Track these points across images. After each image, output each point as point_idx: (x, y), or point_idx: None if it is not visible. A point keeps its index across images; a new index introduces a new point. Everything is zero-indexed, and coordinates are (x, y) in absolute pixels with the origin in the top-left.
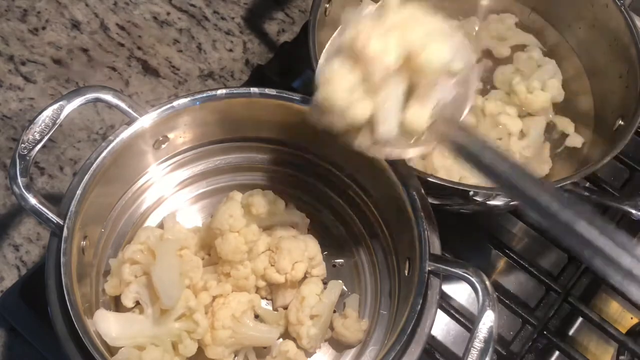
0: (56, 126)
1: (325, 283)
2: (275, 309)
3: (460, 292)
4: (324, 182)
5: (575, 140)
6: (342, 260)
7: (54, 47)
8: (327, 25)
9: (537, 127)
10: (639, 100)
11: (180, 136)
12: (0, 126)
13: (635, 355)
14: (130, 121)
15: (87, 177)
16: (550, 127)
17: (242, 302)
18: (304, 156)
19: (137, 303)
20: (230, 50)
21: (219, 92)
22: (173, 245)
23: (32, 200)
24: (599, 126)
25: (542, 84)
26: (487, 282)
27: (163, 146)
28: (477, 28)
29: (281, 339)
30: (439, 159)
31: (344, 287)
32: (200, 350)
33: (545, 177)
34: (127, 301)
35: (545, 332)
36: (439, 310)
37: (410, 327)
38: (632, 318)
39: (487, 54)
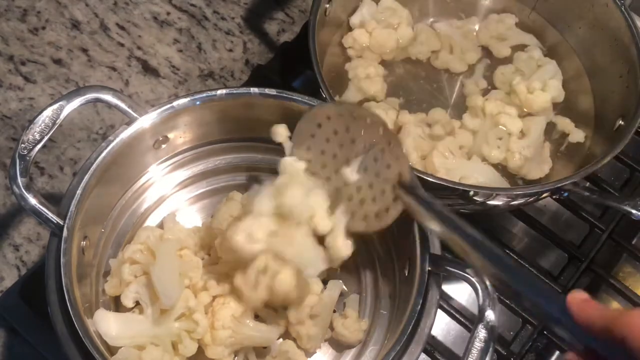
0: (56, 126)
1: (325, 283)
2: (275, 309)
3: (460, 292)
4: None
5: (578, 135)
6: None
7: (54, 47)
8: (327, 25)
9: (537, 127)
10: (639, 100)
11: (180, 136)
12: (0, 126)
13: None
14: (130, 121)
15: (87, 177)
16: (550, 127)
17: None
18: None
19: (137, 303)
20: (230, 50)
21: (219, 92)
22: (173, 245)
23: (32, 200)
24: (599, 126)
25: (543, 84)
26: (487, 282)
27: (163, 146)
28: (477, 27)
29: (281, 339)
30: (439, 159)
31: (344, 287)
32: (200, 350)
33: (545, 177)
34: (127, 301)
35: (545, 332)
36: (439, 310)
37: (410, 327)
38: None
39: (488, 53)
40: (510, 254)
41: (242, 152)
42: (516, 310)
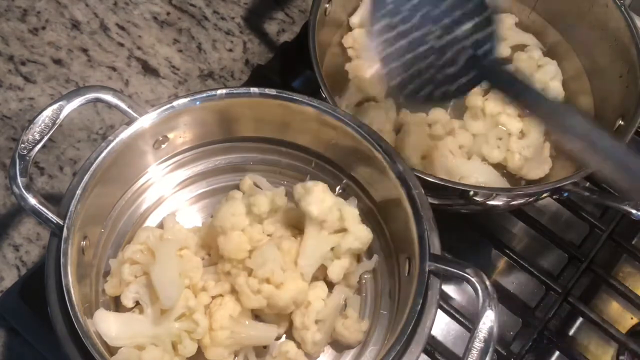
0: (56, 126)
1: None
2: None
3: (460, 292)
4: (324, 182)
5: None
6: None
7: (54, 47)
8: (327, 25)
9: (537, 128)
10: (639, 100)
11: (180, 136)
12: (0, 126)
13: (636, 356)
14: (130, 121)
15: (87, 177)
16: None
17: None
18: (304, 156)
19: (137, 303)
20: (230, 50)
21: (219, 92)
22: (173, 245)
23: (32, 200)
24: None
25: (544, 85)
26: (487, 282)
27: (163, 146)
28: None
29: (281, 339)
30: (439, 159)
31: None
32: (200, 350)
33: (545, 177)
34: (127, 301)
35: (545, 332)
36: (439, 310)
37: (410, 327)
38: (632, 318)
39: None
40: (510, 254)
41: (242, 152)
42: (516, 310)
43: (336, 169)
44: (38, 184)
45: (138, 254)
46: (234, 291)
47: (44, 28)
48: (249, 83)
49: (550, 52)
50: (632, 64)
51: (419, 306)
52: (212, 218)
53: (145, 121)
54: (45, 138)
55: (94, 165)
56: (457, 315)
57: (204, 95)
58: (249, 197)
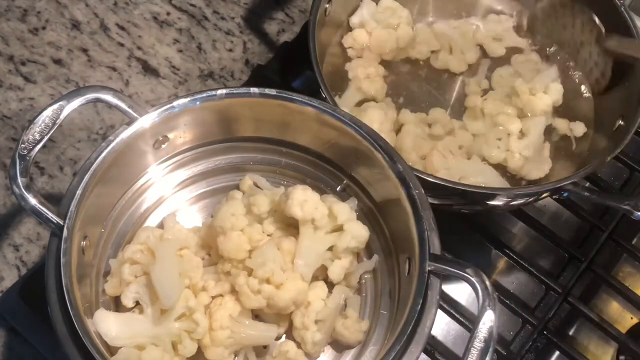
0: (56, 126)
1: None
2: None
3: (460, 292)
4: (324, 182)
5: (579, 128)
6: None
7: (54, 47)
8: (327, 25)
9: (537, 127)
10: (639, 100)
11: (180, 136)
12: (0, 126)
13: (635, 356)
14: (130, 121)
15: (87, 177)
16: (549, 129)
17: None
18: (304, 156)
19: (137, 303)
20: (230, 50)
21: (219, 92)
22: (173, 245)
23: (32, 200)
24: (599, 126)
25: (545, 87)
26: (487, 282)
27: (163, 146)
28: (474, 27)
29: (282, 339)
30: (438, 158)
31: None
32: (200, 350)
33: (545, 177)
34: (127, 301)
35: (545, 332)
36: (439, 310)
37: (410, 327)
38: (632, 318)
39: (485, 53)
40: (510, 254)
41: (242, 152)
42: (516, 310)
43: (336, 169)
44: (38, 184)
45: (138, 254)
46: (234, 291)
47: (44, 28)
48: (249, 83)
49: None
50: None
51: (419, 306)
52: (212, 218)
53: (146, 121)
54: (46, 138)
55: (94, 165)
56: (457, 315)
57: (204, 95)
58: (249, 197)
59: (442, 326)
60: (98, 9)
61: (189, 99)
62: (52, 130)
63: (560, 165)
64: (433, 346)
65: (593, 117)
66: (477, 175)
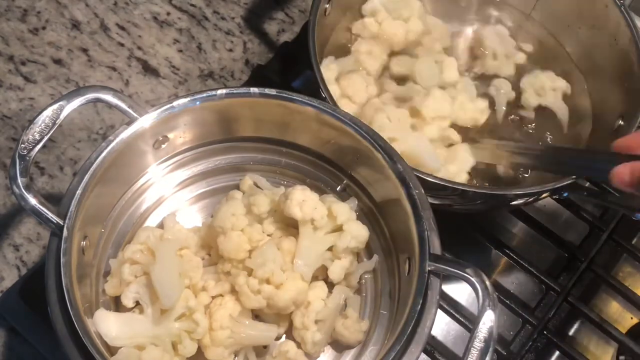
0: (56, 126)
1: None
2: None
3: (460, 292)
4: (324, 182)
5: (561, 84)
6: None
7: (54, 47)
8: (327, 25)
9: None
10: (639, 100)
11: (180, 136)
12: (0, 126)
13: (635, 356)
14: (130, 121)
15: (87, 177)
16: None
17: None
18: (304, 156)
19: (137, 303)
20: (230, 50)
21: (219, 92)
22: (173, 245)
23: (32, 200)
24: (598, 126)
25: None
26: (487, 282)
27: (163, 146)
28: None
29: (282, 339)
30: (381, 117)
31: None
32: (200, 350)
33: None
34: (127, 301)
35: (545, 332)
36: (439, 310)
37: (410, 327)
38: (632, 318)
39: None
40: (510, 254)
41: (242, 152)
42: (516, 310)
43: (336, 169)
44: (38, 184)
45: (138, 254)
46: (234, 291)
47: (44, 28)
48: (249, 83)
49: (550, 52)
50: (632, 64)
51: (419, 306)
52: (212, 218)
53: (146, 121)
54: (46, 138)
55: (94, 165)
56: (457, 315)
57: (204, 95)
58: (249, 197)
59: (442, 326)
60: (98, 9)
61: (189, 99)
62: (52, 130)
63: None
64: (433, 346)
65: (593, 117)
66: (411, 142)
